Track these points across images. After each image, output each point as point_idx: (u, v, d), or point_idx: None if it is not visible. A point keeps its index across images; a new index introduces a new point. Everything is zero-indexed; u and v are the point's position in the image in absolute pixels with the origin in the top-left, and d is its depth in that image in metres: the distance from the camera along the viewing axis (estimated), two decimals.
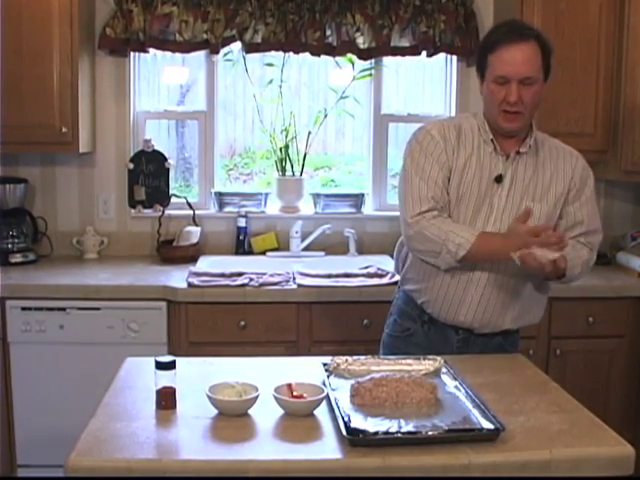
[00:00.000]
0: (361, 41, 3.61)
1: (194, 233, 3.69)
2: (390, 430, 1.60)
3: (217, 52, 3.60)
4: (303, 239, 3.72)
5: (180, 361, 1.83)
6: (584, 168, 2.34)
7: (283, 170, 3.83)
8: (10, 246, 3.51)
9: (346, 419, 1.62)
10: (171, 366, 1.79)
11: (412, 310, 2.37)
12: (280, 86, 3.78)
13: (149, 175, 3.75)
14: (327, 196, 3.84)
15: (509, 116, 2.17)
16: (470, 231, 2.15)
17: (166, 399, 1.77)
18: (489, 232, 2.19)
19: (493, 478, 1.56)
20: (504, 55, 2.13)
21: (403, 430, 1.61)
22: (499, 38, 2.15)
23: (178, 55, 3.69)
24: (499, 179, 2.22)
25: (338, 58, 3.71)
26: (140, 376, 2.01)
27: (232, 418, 1.70)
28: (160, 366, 1.78)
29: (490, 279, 2.22)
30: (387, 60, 3.81)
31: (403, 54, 3.67)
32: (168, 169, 3.78)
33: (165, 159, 3.77)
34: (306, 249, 3.73)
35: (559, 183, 2.27)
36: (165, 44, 3.56)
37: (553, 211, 2.27)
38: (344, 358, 2.01)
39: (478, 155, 2.24)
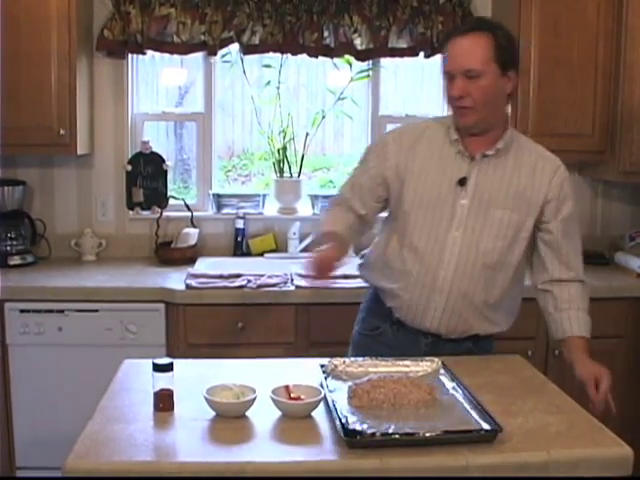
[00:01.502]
0: (359, 42, 3.61)
1: (192, 235, 3.69)
2: (388, 431, 1.60)
3: (215, 54, 3.60)
4: (301, 240, 3.72)
5: (178, 363, 1.83)
6: (564, 180, 2.21)
7: (281, 171, 3.83)
8: (8, 248, 3.51)
9: (344, 420, 1.62)
10: (169, 368, 1.79)
11: (381, 309, 2.32)
12: (278, 87, 3.78)
13: (147, 177, 3.75)
14: (325, 197, 3.83)
15: (460, 111, 2.11)
16: (332, 225, 2.25)
17: (164, 401, 1.77)
18: (335, 235, 2.21)
19: (491, 479, 1.56)
20: (449, 51, 2.11)
21: (401, 431, 1.61)
22: (449, 34, 2.15)
23: (176, 57, 3.69)
24: (462, 182, 2.14)
25: (336, 59, 3.71)
26: (138, 378, 2.01)
27: (230, 420, 1.70)
28: (158, 368, 1.78)
29: (454, 288, 2.16)
30: (385, 61, 3.81)
31: (401, 55, 3.67)
32: (166, 171, 3.78)
33: (163, 161, 3.77)
34: (304, 250, 3.73)
35: (534, 192, 2.17)
36: (163, 46, 3.56)
37: (523, 222, 2.17)
38: (342, 360, 2.01)
39: (440, 157, 2.18)
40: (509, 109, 2.34)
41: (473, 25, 2.15)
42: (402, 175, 2.20)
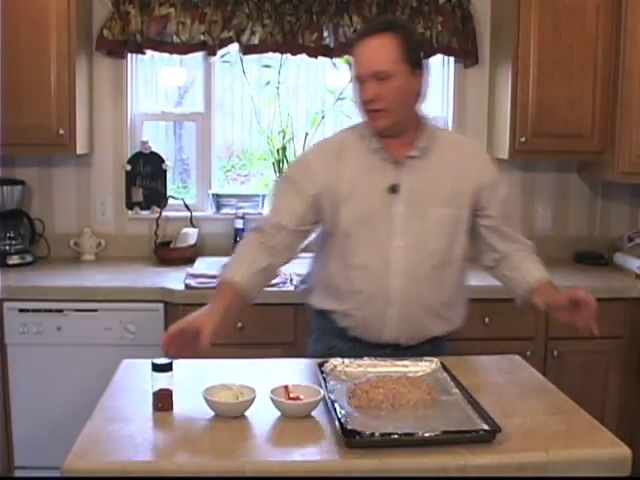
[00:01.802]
0: None
1: (191, 235, 3.69)
2: (387, 431, 1.60)
3: (214, 54, 3.60)
4: None
5: (177, 363, 1.83)
6: (490, 164, 2.23)
7: (280, 171, 3.83)
8: (7, 248, 3.51)
9: (343, 421, 1.62)
10: (168, 368, 1.79)
11: (335, 328, 2.25)
12: (277, 87, 3.78)
13: (146, 177, 3.75)
14: None
15: (373, 115, 2.07)
16: (235, 272, 2.07)
17: (163, 401, 1.77)
18: (231, 288, 2.06)
19: (490, 479, 1.56)
20: (356, 55, 2.07)
21: (400, 431, 1.60)
22: (355, 38, 2.09)
23: (175, 56, 3.69)
24: (394, 189, 2.11)
25: (335, 59, 3.71)
26: (137, 378, 2.01)
27: (229, 420, 1.70)
28: (157, 368, 1.78)
29: (406, 296, 2.13)
30: None
31: None
32: (165, 170, 3.78)
33: (162, 161, 3.77)
34: (303, 250, 3.72)
35: (465, 183, 2.16)
36: (162, 45, 3.56)
37: (460, 214, 2.16)
38: (341, 360, 2.00)
39: (367, 168, 2.13)
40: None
41: (379, 26, 2.08)
42: (333, 194, 2.13)
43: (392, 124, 2.10)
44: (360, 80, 2.05)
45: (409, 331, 2.19)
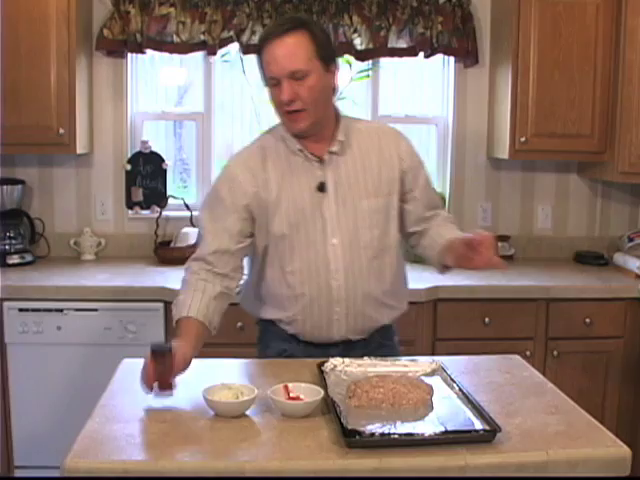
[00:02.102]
0: (358, 42, 3.61)
1: (192, 234, 3.69)
2: (387, 431, 1.60)
3: (214, 53, 3.60)
4: None
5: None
6: (409, 147, 2.21)
7: None
8: (7, 247, 3.51)
9: (343, 420, 1.62)
10: (168, 353, 1.78)
11: (282, 332, 2.22)
12: None
13: (146, 176, 3.75)
14: None
15: (292, 116, 2.03)
16: (189, 308, 1.97)
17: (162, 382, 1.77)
18: (190, 324, 1.96)
19: (490, 479, 1.56)
20: (267, 55, 2.00)
21: (400, 431, 1.61)
22: (263, 38, 2.02)
23: (176, 56, 3.70)
24: (322, 188, 2.08)
25: None
26: (137, 378, 2.00)
27: (229, 420, 1.70)
28: (156, 353, 1.77)
29: (350, 292, 2.11)
30: (384, 61, 3.81)
31: (400, 55, 3.67)
32: (166, 170, 3.78)
33: (162, 160, 3.78)
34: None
35: (388, 169, 2.14)
36: (162, 45, 3.56)
37: (389, 201, 2.15)
38: (341, 359, 2.00)
39: (292, 171, 2.10)
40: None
41: (288, 25, 2.01)
42: (263, 202, 2.09)
43: (312, 124, 2.06)
44: (274, 81, 2.01)
45: (358, 326, 2.18)
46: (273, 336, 2.25)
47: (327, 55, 2.04)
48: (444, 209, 2.31)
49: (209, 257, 2.08)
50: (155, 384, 1.79)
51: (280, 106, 2.03)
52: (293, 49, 1.98)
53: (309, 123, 2.05)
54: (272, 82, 2.01)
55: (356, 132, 2.17)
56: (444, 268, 2.19)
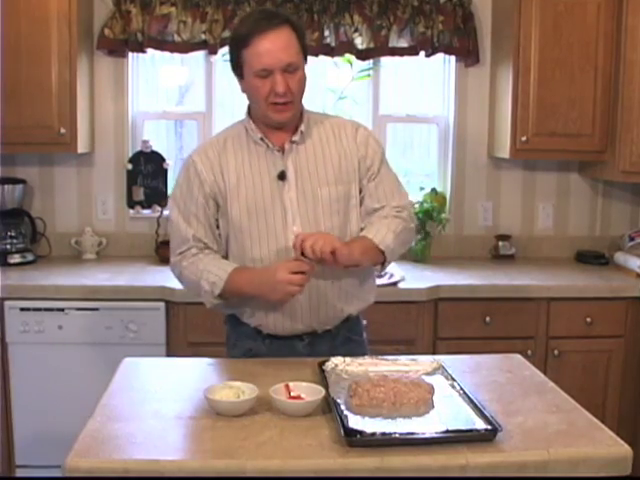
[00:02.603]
0: (359, 42, 3.61)
1: None
2: (388, 430, 1.60)
3: (215, 52, 3.60)
4: None
5: (178, 362, 1.83)
6: (368, 137, 2.22)
7: None
8: (9, 247, 3.51)
9: (344, 420, 1.62)
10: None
11: (248, 330, 2.22)
12: None
13: (148, 176, 3.75)
14: None
15: (279, 107, 2.06)
16: (225, 268, 2.07)
17: None
18: (241, 268, 2.09)
19: (491, 479, 1.57)
20: (260, 46, 2.01)
21: (401, 430, 1.61)
22: (250, 30, 2.02)
23: (176, 55, 3.69)
24: (282, 176, 2.12)
25: (336, 58, 3.72)
26: (138, 377, 2.01)
27: (230, 419, 1.70)
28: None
29: (312, 280, 2.06)
30: (385, 61, 3.81)
31: (401, 54, 3.67)
32: (167, 170, 3.78)
33: (163, 160, 3.77)
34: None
35: (348, 159, 2.17)
36: (163, 45, 3.56)
37: (350, 189, 2.17)
38: (342, 358, 2.01)
39: (251, 160, 2.14)
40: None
41: (278, 19, 2.05)
42: (222, 190, 2.13)
43: (293, 115, 2.12)
44: (266, 73, 2.02)
45: (321, 315, 2.17)
46: (239, 335, 2.26)
47: (305, 50, 2.11)
48: (400, 203, 2.23)
49: (192, 244, 2.14)
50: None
51: (267, 97, 2.06)
52: (287, 42, 2.03)
53: (292, 114, 2.11)
54: (262, 74, 2.03)
55: (317, 124, 2.21)
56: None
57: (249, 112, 2.20)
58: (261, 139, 2.14)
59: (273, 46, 2.01)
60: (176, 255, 2.18)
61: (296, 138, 2.15)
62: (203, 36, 3.54)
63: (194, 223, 2.15)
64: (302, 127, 2.16)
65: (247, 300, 2.15)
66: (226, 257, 2.19)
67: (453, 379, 1.91)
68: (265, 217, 2.12)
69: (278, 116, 2.09)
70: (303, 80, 2.09)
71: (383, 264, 2.16)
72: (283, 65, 2.02)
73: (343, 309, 2.20)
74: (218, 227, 2.17)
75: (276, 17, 2.05)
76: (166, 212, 3.73)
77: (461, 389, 1.84)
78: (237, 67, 2.10)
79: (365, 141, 2.21)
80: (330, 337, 2.21)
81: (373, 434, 1.57)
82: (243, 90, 2.15)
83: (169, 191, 3.78)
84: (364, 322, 2.37)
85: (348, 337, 2.25)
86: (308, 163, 2.15)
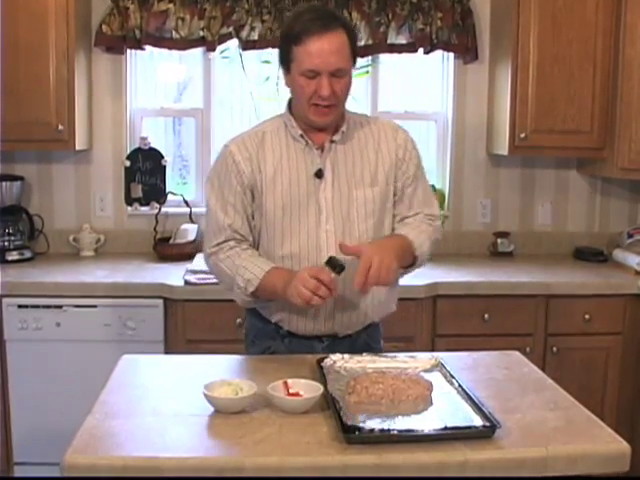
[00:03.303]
0: (358, 38, 3.60)
1: (191, 231, 3.69)
2: (386, 427, 1.60)
3: (214, 49, 3.60)
4: None
5: (176, 359, 1.83)
6: (406, 141, 2.21)
7: None
8: (6, 244, 3.51)
9: (342, 416, 1.62)
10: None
11: (268, 327, 2.21)
12: (277, 83, 3.77)
13: (146, 172, 3.75)
14: None
15: (321, 110, 2.05)
16: (262, 267, 2.05)
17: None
18: (278, 269, 2.06)
19: (490, 478, 1.57)
20: (312, 47, 1.99)
21: (399, 427, 1.61)
22: (304, 28, 2.00)
23: (175, 52, 3.69)
24: (319, 174, 2.11)
25: None
26: (136, 374, 2.01)
27: (228, 416, 1.70)
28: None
29: (340, 278, 2.04)
30: (384, 57, 3.81)
31: (400, 51, 3.67)
32: (165, 166, 3.78)
33: (162, 156, 3.77)
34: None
35: (385, 161, 2.17)
36: (162, 41, 3.56)
37: (386, 192, 2.16)
38: (340, 355, 2.00)
39: (289, 156, 2.13)
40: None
41: (334, 22, 2.03)
42: (259, 183, 2.12)
43: (335, 118, 2.11)
44: (312, 74, 2.01)
45: (345, 319, 2.15)
46: (258, 333, 2.26)
47: (355, 55, 2.10)
48: (433, 212, 2.26)
49: (230, 235, 2.12)
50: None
51: (311, 98, 2.05)
52: (340, 47, 2.01)
53: (334, 117, 2.10)
54: (309, 74, 2.02)
55: (358, 125, 2.20)
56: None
57: (289, 107, 2.18)
58: (301, 136, 2.13)
59: (325, 49, 1.99)
60: (212, 246, 2.15)
61: (336, 138, 2.14)
62: (201, 33, 3.53)
63: (231, 213, 2.13)
64: (343, 127, 2.15)
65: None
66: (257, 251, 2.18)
67: (452, 376, 1.91)
68: (299, 213, 2.11)
69: (319, 119, 2.08)
70: (349, 85, 2.08)
71: (407, 268, 2.16)
72: (332, 69, 2.00)
73: (367, 314, 2.19)
74: (254, 218, 2.16)
75: (333, 19, 2.04)
76: (164, 209, 3.74)
77: (459, 386, 1.84)
78: (285, 61, 2.08)
79: (404, 145, 2.20)
80: (350, 342, 2.19)
81: (371, 431, 1.57)
82: (287, 84, 2.13)
83: (167, 188, 3.78)
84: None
85: (367, 343, 2.23)
86: (346, 163, 2.14)
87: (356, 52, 2.10)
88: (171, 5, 3.51)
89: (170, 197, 3.78)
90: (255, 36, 3.56)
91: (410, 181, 2.20)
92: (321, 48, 1.99)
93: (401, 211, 2.21)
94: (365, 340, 2.23)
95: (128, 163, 3.73)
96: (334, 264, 1.92)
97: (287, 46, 2.05)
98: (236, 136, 2.22)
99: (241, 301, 2.14)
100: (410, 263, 2.14)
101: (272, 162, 2.12)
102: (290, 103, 2.18)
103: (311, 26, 2.00)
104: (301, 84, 2.03)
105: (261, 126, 2.23)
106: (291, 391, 1.76)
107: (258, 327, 2.25)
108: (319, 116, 2.07)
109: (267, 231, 2.14)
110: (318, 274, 1.91)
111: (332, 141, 2.14)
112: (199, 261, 3.50)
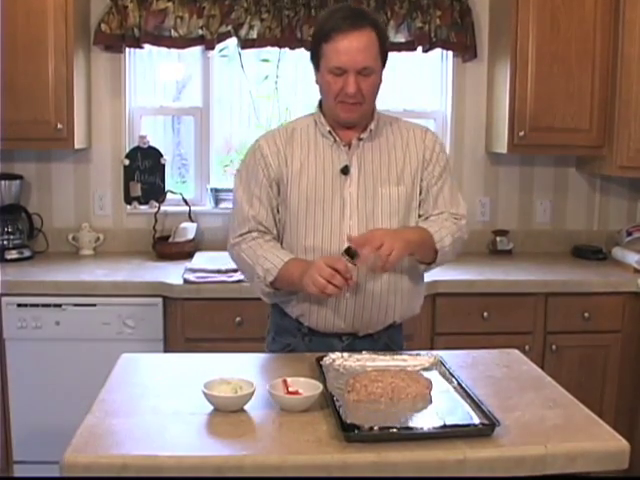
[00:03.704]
0: None
1: (190, 229, 3.69)
2: (385, 425, 1.60)
3: (212, 48, 3.60)
4: None
5: (176, 357, 1.83)
6: (435, 142, 2.24)
7: None
8: (6, 242, 3.51)
9: (342, 415, 1.62)
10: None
11: (289, 324, 2.22)
12: (276, 82, 3.78)
13: (145, 171, 3.75)
14: None
15: (347, 107, 2.09)
16: (281, 257, 2.07)
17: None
18: (298, 260, 2.08)
19: (489, 478, 1.57)
20: (339, 45, 2.02)
21: (399, 426, 1.61)
22: (334, 26, 2.03)
23: (174, 51, 3.69)
24: (345, 170, 2.14)
25: None
26: (136, 372, 2.01)
27: (228, 414, 1.70)
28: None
29: (362, 273, 2.09)
30: None
31: (399, 50, 3.66)
32: (164, 165, 3.78)
33: (161, 155, 3.77)
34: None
35: (412, 161, 2.19)
36: (160, 40, 3.56)
37: (412, 191, 2.18)
38: (340, 354, 2.01)
39: (317, 152, 2.16)
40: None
41: (363, 20, 2.05)
42: (285, 176, 2.16)
43: (361, 116, 2.14)
44: (340, 72, 2.04)
45: (366, 316, 2.15)
46: (279, 330, 2.27)
47: (385, 55, 2.11)
48: (459, 212, 2.27)
49: (254, 226, 2.16)
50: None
51: (336, 95, 2.07)
52: (368, 45, 2.04)
53: (360, 115, 2.12)
54: (336, 71, 2.04)
55: (387, 125, 2.23)
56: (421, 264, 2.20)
57: (320, 105, 2.22)
58: (329, 132, 2.16)
59: (352, 47, 2.02)
60: (236, 237, 2.19)
61: (364, 136, 2.16)
62: (200, 31, 3.53)
63: (256, 205, 2.16)
64: (371, 126, 2.17)
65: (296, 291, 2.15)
66: (280, 244, 2.20)
67: (451, 374, 1.91)
68: (323, 208, 2.13)
69: (345, 115, 2.11)
70: (377, 84, 2.10)
71: (429, 264, 2.17)
72: (358, 67, 2.03)
73: (387, 313, 2.18)
74: (279, 212, 2.19)
75: (363, 18, 2.06)
76: (163, 208, 3.74)
77: (459, 384, 1.84)
78: (315, 58, 2.12)
79: (432, 146, 2.22)
80: (371, 342, 2.19)
81: (371, 429, 1.57)
82: (316, 82, 2.16)
83: (166, 187, 3.78)
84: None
85: (388, 345, 2.22)
86: (372, 161, 2.17)
87: (386, 52, 2.11)
88: (170, 4, 3.51)
89: (169, 196, 3.78)
90: (254, 35, 3.56)
91: (435, 180, 2.22)
92: (349, 46, 2.02)
93: (427, 210, 2.22)
94: (386, 342, 2.22)
95: (127, 162, 3.73)
96: (351, 253, 1.94)
97: (317, 44, 2.08)
98: (267, 131, 2.30)
99: (261, 292, 2.16)
100: (432, 258, 2.15)
101: (299, 157, 2.16)
102: (321, 101, 2.22)
103: (341, 24, 2.03)
104: (328, 81, 2.07)
105: (293, 123, 2.28)
106: (290, 389, 1.76)
107: (279, 324, 2.27)
108: (345, 112, 2.10)
109: (291, 224, 2.16)
110: (334, 263, 1.93)
111: (360, 139, 2.16)
112: (198, 259, 3.51)
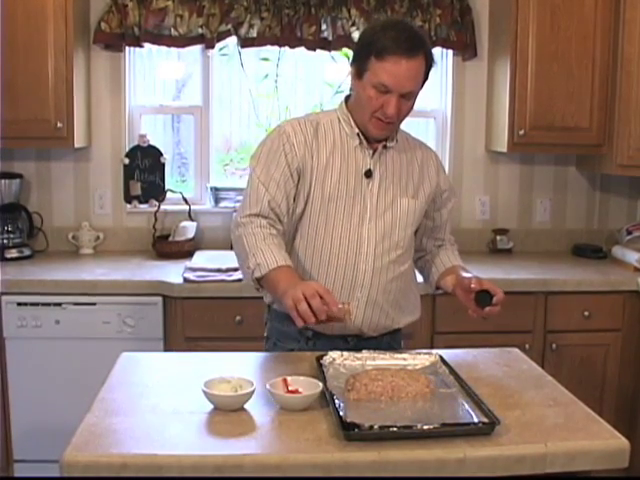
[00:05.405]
0: (357, 35, 3.60)
1: (190, 228, 3.69)
2: (386, 424, 1.60)
3: (212, 47, 3.60)
4: None
5: (175, 356, 1.82)
6: (440, 166, 2.33)
7: None
8: (5, 241, 3.51)
9: (341, 413, 1.62)
10: None
11: (291, 329, 2.13)
12: (276, 81, 3.78)
13: (145, 170, 3.75)
14: None
15: (381, 125, 2.09)
16: (278, 259, 2.00)
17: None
18: (290, 271, 2.01)
19: (488, 478, 1.57)
20: (391, 67, 2.01)
21: (398, 424, 1.61)
22: (389, 45, 2.01)
23: (173, 50, 3.69)
24: (369, 174, 2.14)
25: (334, 52, 3.71)
26: (136, 371, 2.01)
27: (227, 413, 1.70)
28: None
29: (374, 280, 2.13)
30: None
31: None
32: (164, 164, 3.78)
33: (161, 154, 3.77)
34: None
35: (426, 184, 2.24)
36: (160, 39, 3.55)
37: (422, 209, 2.25)
38: (339, 352, 2.00)
39: (342, 151, 2.15)
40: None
41: (418, 46, 2.05)
42: (310, 169, 2.13)
43: (390, 134, 2.17)
44: (384, 89, 2.03)
45: (373, 320, 2.18)
46: (281, 335, 2.24)
47: (427, 78, 2.14)
48: (450, 237, 2.43)
49: (266, 211, 2.10)
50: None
51: (374, 111, 2.07)
52: (416, 73, 2.05)
53: (390, 132, 2.16)
54: (381, 88, 2.03)
55: (409, 139, 2.28)
56: (438, 289, 2.35)
57: (346, 104, 2.20)
58: (357, 134, 2.15)
59: (404, 72, 2.02)
60: (245, 215, 2.11)
61: (390, 144, 2.18)
62: (200, 30, 3.53)
63: (273, 188, 2.11)
64: (397, 136, 2.20)
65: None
66: (293, 240, 2.17)
67: (451, 373, 1.91)
68: (344, 208, 2.13)
69: (376, 132, 2.12)
70: (412, 107, 2.12)
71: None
72: (404, 92, 2.04)
73: (394, 319, 2.24)
74: (294, 201, 2.15)
75: (419, 45, 2.05)
76: (163, 207, 3.74)
77: (459, 383, 1.84)
78: (359, 66, 2.08)
79: (442, 169, 2.33)
80: (375, 343, 2.20)
81: (371, 428, 1.57)
82: (353, 87, 2.14)
83: (166, 186, 3.78)
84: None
85: (391, 345, 2.26)
86: (394, 170, 2.19)
87: (428, 77, 2.13)
88: (170, 2, 3.51)
89: (169, 195, 3.77)
90: (254, 33, 3.56)
91: (445, 203, 2.34)
92: (399, 70, 2.02)
93: (434, 231, 2.36)
94: (388, 342, 2.26)
95: (127, 161, 3.73)
96: (484, 300, 2.13)
97: (366, 54, 2.06)
98: (290, 119, 2.26)
99: (247, 282, 2.10)
100: None
101: (325, 152, 2.14)
102: (347, 100, 2.21)
103: (396, 47, 2.01)
104: (370, 95, 2.06)
105: (314, 117, 2.24)
106: (290, 388, 1.76)
107: (280, 329, 2.24)
108: (377, 129, 2.11)
109: (310, 220, 2.15)
110: (324, 291, 1.88)
111: (385, 146, 2.17)
112: (198, 258, 3.51)
